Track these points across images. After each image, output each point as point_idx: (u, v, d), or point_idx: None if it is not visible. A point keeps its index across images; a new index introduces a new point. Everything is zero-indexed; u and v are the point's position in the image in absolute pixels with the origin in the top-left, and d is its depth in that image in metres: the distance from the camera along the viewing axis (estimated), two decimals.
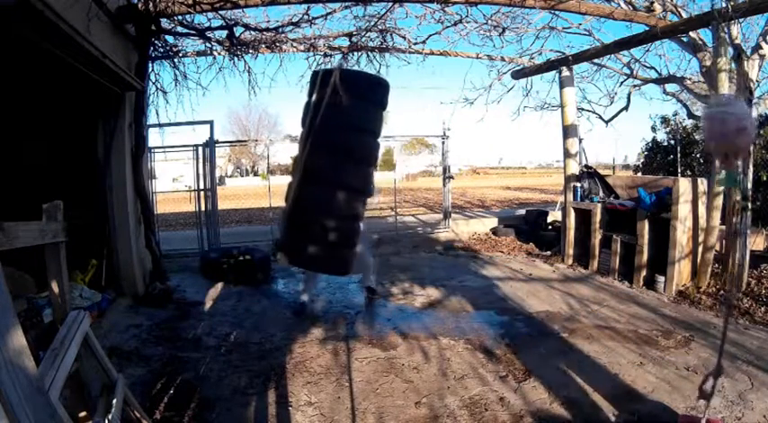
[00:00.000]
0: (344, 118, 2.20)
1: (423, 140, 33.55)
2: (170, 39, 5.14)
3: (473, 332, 3.67)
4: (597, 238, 5.43)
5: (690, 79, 6.40)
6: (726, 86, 4.33)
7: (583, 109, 8.13)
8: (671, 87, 7.37)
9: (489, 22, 5.46)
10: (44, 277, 1.91)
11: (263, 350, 3.36)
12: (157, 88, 5.38)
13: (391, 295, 4.77)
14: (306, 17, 4.94)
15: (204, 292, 4.83)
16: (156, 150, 6.29)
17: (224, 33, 5.06)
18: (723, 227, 4.55)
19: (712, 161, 4.31)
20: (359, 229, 2.49)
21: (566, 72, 6.09)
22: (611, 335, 3.53)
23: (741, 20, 4.47)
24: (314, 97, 2.27)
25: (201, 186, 6.54)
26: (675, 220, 4.44)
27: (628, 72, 7.24)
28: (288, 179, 2.83)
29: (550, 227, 7.61)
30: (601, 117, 8.26)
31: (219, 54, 5.72)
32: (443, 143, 8.08)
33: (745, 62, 4.47)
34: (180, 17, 4.52)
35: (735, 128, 1.39)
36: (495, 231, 7.90)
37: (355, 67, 5.96)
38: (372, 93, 2.32)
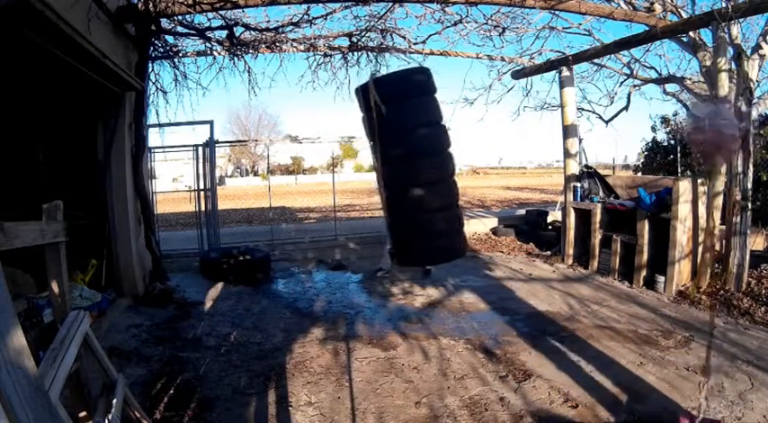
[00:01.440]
0: (397, 122, 2.29)
1: None
2: (170, 39, 5.14)
3: (473, 332, 3.67)
4: (597, 238, 5.43)
5: (690, 79, 6.39)
6: (726, 86, 4.33)
7: (583, 109, 8.13)
8: (671, 87, 7.37)
9: (489, 22, 5.46)
10: (44, 277, 1.91)
11: (263, 350, 3.36)
12: (157, 88, 5.39)
13: (391, 295, 4.77)
14: (306, 17, 4.94)
15: (204, 292, 4.83)
16: (156, 150, 6.29)
17: (224, 33, 5.07)
18: (723, 227, 4.55)
19: (714, 161, 4.31)
20: (457, 213, 2.60)
21: (566, 72, 6.09)
22: (611, 335, 3.53)
23: (741, 20, 4.47)
24: (364, 113, 2.40)
25: (201, 186, 6.54)
26: (675, 220, 4.44)
27: (628, 72, 7.24)
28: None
29: (550, 227, 7.61)
30: (601, 117, 8.25)
31: (219, 54, 5.72)
32: None
33: (745, 62, 4.46)
34: (180, 17, 4.52)
35: (730, 136, 1.44)
36: (495, 231, 7.90)
37: (355, 67, 5.99)
38: (412, 87, 2.40)
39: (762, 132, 6.29)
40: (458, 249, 2.52)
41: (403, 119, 2.23)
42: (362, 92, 2.30)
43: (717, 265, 4.62)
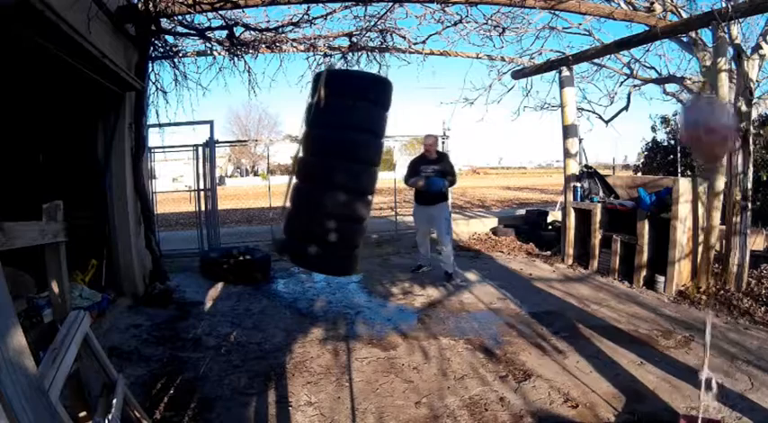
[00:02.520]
0: (335, 117, 2.26)
1: (423, 140, 33.54)
2: (170, 39, 5.14)
3: (473, 332, 3.67)
4: (597, 238, 5.42)
5: (690, 79, 6.40)
6: (726, 86, 4.33)
7: (583, 109, 8.12)
8: (671, 87, 7.36)
9: (489, 22, 5.45)
10: (44, 277, 1.91)
11: (263, 350, 3.36)
12: (157, 88, 5.38)
13: (391, 295, 4.77)
14: (306, 17, 4.94)
15: (204, 292, 4.83)
16: (156, 150, 6.29)
17: (224, 33, 5.06)
18: (723, 227, 4.55)
19: (714, 157, 4.30)
20: (359, 231, 2.53)
21: (566, 72, 6.09)
22: (611, 335, 3.52)
23: (741, 20, 4.47)
24: (309, 99, 2.37)
25: (201, 186, 6.54)
26: (675, 220, 4.44)
27: (628, 72, 7.24)
28: (286, 179, 2.88)
29: (550, 227, 7.61)
30: (601, 117, 8.25)
31: (219, 54, 5.71)
32: (443, 143, 8.07)
33: (745, 62, 4.46)
34: (180, 17, 4.52)
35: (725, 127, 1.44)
36: (495, 231, 7.90)
37: (355, 67, 5.98)
38: (365, 91, 2.36)
39: (762, 132, 6.29)
40: (347, 266, 2.43)
41: (349, 117, 2.20)
42: (316, 78, 2.29)
43: (717, 265, 4.62)
